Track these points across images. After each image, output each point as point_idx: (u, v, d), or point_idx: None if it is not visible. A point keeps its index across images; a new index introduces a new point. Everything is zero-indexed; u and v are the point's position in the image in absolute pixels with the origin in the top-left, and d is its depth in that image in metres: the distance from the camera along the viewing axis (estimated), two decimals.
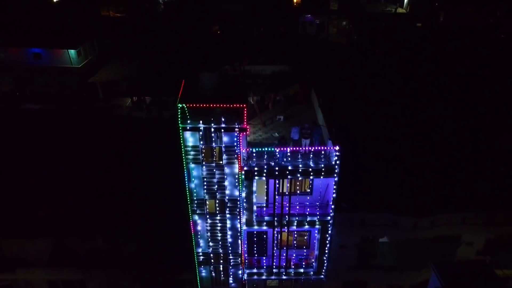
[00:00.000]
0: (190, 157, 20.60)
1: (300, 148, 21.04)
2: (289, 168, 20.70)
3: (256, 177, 21.09)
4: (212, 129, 19.81)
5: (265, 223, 22.88)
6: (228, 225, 22.82)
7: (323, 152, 20.89)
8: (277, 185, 21.89)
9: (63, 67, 48.96)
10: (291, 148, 20.89)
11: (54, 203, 27.70)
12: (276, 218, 22.52)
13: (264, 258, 24.98)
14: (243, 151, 20.57)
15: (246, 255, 24.48)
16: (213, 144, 20.27)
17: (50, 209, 27.79)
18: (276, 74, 27.56)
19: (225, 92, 20.47)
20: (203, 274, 24.88)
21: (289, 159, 20.87)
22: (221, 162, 20.77)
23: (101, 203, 27.65)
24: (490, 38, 58.59)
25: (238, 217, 22.45)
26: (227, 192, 21.67)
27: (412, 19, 63.18)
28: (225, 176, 21.17)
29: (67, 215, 27.81)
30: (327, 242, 23.37)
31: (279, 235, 23.53)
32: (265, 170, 20.77)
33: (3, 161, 31.16)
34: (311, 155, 20.85)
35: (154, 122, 42.19)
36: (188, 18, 63.11)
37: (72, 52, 48.54)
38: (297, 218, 22.62)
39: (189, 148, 20.38)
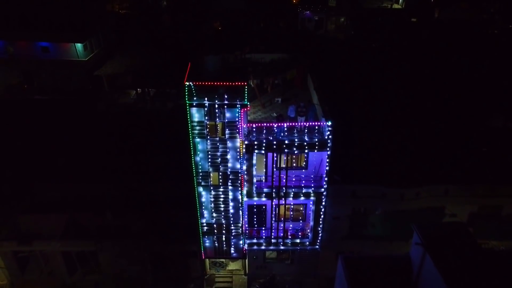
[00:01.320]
0: (196, 131, 22.60)
1: (296, 124, 23.03)
2: (286, 142, 22.70)
3: (256, 151, 23.08)
4: (216, 106, 21.79)
5: (264, 194, 24.85)
6: (230, 197, 24.79)
7: (317, 128, 22.88)
8: (275, 159, 23.80)
9: (70, 60, 51.12)
10: (288, 124, 22.87)
11: (66, 183, 29.67)
12: (274, 190, 24.49)
13: (263, 229, 26.94)
14: (244, 126, 22.55)
15: (246, 226, 26.44)
16: (217, 119, 22.26)
17: (63, 189, 29.76)
18: (275, 61, 29.56)
19: (227, 73, 22.46)
20: (207, 244, 26.85)
21: (286, 134, 22.86)
22: (224, 136, 22.76)
23: (110, 183, 29.58)
24: (483, 33, 60.58)
25: (240, 189, 24.43)
26: (229, 165, 23.65)
27: (407, 15, 65.16)
28: (228, 150, 23.15)
29: (79, 195, 29.81)
30: (321, 213, 25.36)
31: (277, 208, 25.49)
32: (264, 144, 22.77)
33: (18, 146, 33.06)
34: (306, 130, 22.84)
35: (158, 112, 44.40)
36: (190, 14, 65.12)
37: (78, 45, 50.63)
38: (293, 190, 24.60)
39: (195, 124, 22.38)
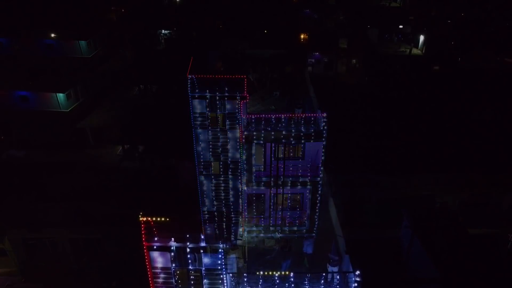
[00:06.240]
0: (198, 122, 23.81)
1: (294, 115, 24.22)
2: (284, 133, 23.89)
3: (255, 141, 24.27)
4: (217, 98, 23.00)
5: (262, 183, 26.03)
6: (231, 185, 25.96)
7: (313, 119, 24.07)
8: (273, 149, 24.96)
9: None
10: (286, 115, 24.06)
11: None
12: (272, 179, 25.67)
13: (262, 218, 28.10)
14: (244, 117, 23.75)
15: (246, 214, 27.62)
16: (218, 111, 23.47)
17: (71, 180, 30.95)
18: (274, 57, 30.76)
19: (228, 66, 23.69)
20: (208, 231, 28.00)
21: (284, 125, 24.06)
22: (224, 127, 23.97)
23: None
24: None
25: (239, 177, 25.62)
26: (229, 154, 24.85)
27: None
28: (228, 140, 24.35)
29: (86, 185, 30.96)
30: (318, 201, 26.54)
31: (275, 197, 26.65)
32: (262, 135, 23.96)
33: None
34: (303, 122, 24.05)
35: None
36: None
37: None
38: (291, 179, 25.78)
39: (197, 115, 23.59)
